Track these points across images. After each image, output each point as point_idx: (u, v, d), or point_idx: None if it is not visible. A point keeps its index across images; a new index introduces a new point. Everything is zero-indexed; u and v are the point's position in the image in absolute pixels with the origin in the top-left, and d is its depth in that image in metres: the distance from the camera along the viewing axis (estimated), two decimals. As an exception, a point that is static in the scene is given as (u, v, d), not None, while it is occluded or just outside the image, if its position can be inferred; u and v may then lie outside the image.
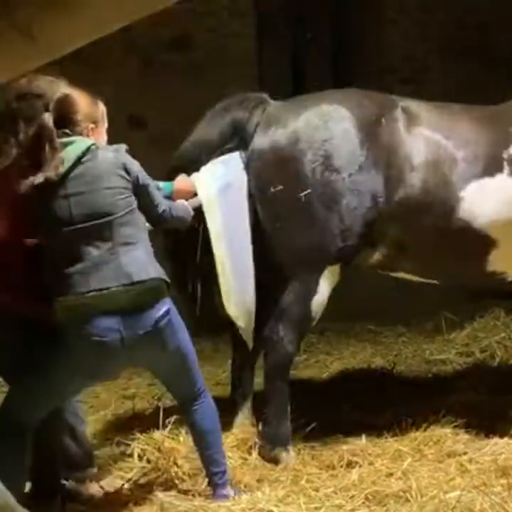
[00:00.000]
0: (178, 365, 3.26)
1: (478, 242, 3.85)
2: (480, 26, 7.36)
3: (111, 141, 6.72)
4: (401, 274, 4.07)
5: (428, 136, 3.84)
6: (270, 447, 3.74)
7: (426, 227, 3.81)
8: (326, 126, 3.73)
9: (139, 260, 3.10)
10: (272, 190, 3.73)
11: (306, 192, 3.67)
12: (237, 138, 3.90)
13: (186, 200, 3.63)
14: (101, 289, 3.03)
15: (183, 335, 3.23)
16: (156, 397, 4.72)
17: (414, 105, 3.96)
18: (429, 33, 7.34)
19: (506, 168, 3.84)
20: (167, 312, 3.11)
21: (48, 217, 3.05)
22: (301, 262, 3.79)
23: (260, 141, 3.81)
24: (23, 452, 3.09)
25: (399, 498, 3.22)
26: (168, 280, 3.18)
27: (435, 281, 4.12)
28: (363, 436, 3.86)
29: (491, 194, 3.81)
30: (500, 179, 3.83)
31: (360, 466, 3.58)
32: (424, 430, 3.89)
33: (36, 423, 3.11)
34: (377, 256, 3.90)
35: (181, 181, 3.76)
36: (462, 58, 7.18)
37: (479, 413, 4.09)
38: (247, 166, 3.83)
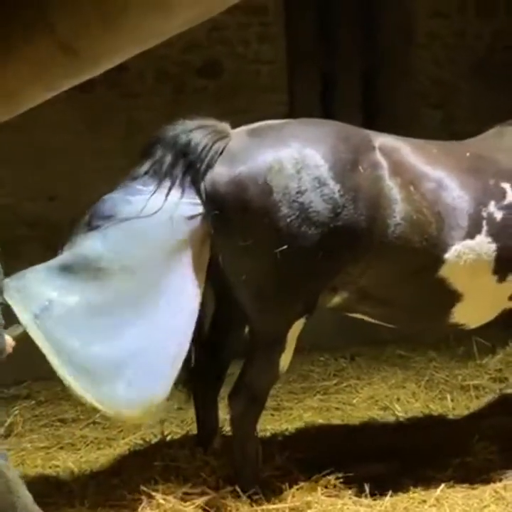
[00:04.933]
0: None
1: (447, 295, 3.79)
2: (510, 50, 7.35)
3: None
4: (358, 316, 3.97)
5: (411, 190, 3.63)
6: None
7: (398, 280, 3.71)
8: (299, 176, 3.44)
9: None
10: (241, 243, 3.42)
11: (282, 248, 3.39)
12: (178, 167, 3.53)
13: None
14: None
15: None
16: (185, 422, 4.73)
17: (394, 147, 3.73)
18: (459, 57, 7.34)
19: (484, 227, 3.74)
20: None
21: None
22: (269, 318, 3.59)
23: (224, 183, 3.47)
24: None
25: (433, 525, 3.20)
26: None
27: (393, 326, 4.05)
28: (396, 462, 3.84)
29: (468, 253, 3.72)
30: (479, 240, 3.74)
31: (393, 492, 3.56)
32: (458, 456, 3.86)
33: None
34: (336, 299, 3.76)
35: None
36: (492, 82, 7.16)
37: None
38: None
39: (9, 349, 3.01)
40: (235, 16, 6.32)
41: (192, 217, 3.46)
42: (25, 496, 2.48)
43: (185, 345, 3.46)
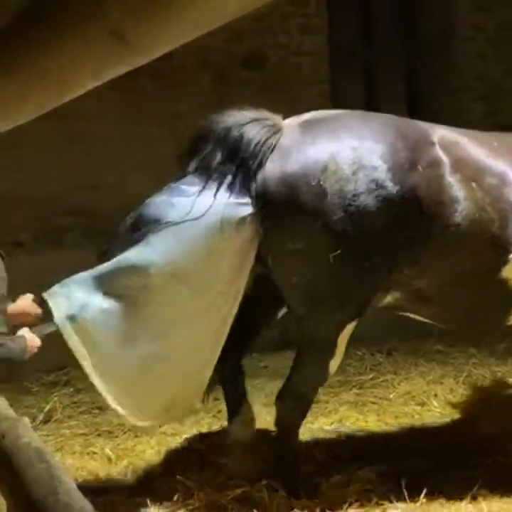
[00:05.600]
0: None
1: (508, 297, 3.62)
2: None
3: (184, 160, 6.82)
4: (407, 314, 3.83)
5: (473, 187, 3.46)
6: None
7: (457, 281, 3.53)
8: (356, 178, 3.29)
9: None
10: (292, 245, 3.30)
11: (336, 253, 3.27)
12: (228, 165, 3.37)
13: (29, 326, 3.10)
14: None
15: None
16: (221, 413, 4.74)
17: (454, 141, 3.56)
18: (502, 50, 7.25)
19: None
20: None
21: None
22: (321, 322, 3.46)
23: (275, 182, 3.33)
24: None
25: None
26: None
27: (446, 327, 3.98)
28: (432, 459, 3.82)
29: None
30: None
31: (429, 489, 3.54)
32: (495, 454, 3.83)
33: None
34: (388, 299, 3.61)
35: (23, 300, 3.20)
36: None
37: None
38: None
39: (34, 349, 3.00)
40: (279, 7, 6.31)
41: (241, 219, 3.29)
42: (67, 482, 2.50)
43: (216, 353, 3.42)
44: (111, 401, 3.27)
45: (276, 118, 3.52)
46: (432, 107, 6.96)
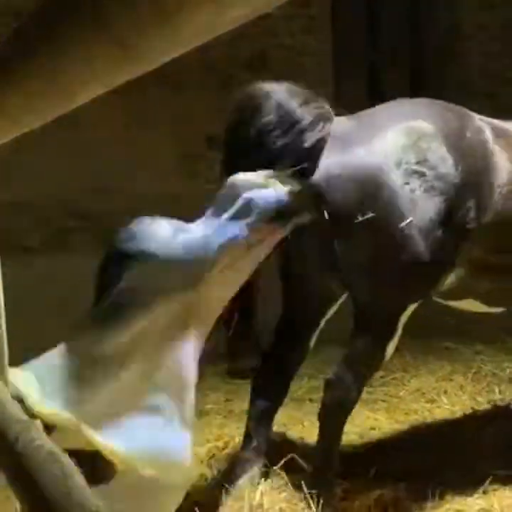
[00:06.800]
0: None
1: None
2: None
3: (189, 161, 6.86)
4: (465, 305, 3.80)
5: None
6: (311, 484, 3.31)
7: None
8: (417, 145, 3.30)
9: None
10: (360, 218, 3.21)
11: (407, 221, 3.23)
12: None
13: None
14: None
15: None
16: (232, 413, 4.76)
17: (487, 118, 3.69)
18: (506, 48, 7.27)
19: None
20: None
21: None
22: (386, 302, 3.39)
23: (336, 163, 3.27)
24: None
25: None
26: None
27: (501, 309, 3.88)
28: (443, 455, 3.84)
29: None
30: None
31: (440, 484, 3.56)
32: (506, 450, 3.84)
33: None
34: (451, 279, 3.56)
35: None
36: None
37: None
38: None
39: None
40: (282, 8, 6.33)
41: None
42: (81, 482, 2.51)
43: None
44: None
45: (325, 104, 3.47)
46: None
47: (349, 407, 3.45)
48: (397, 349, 5.88)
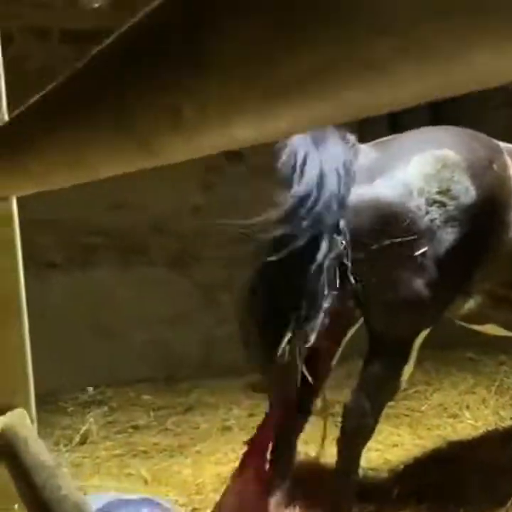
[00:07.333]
0: None
1: None
2: None
3: (209, 175, 6.89)
4: (490, 329, 3.81)
5: None
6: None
7: None
8: (439, 175, 3.28)
9: None
10: (376, 246, 3.23)
11: (423, 250, 3.23)
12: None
13: None
14: None
15: None
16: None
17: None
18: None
19: None
20: None
21: None
22: (400, 327, 3.39)
23: (360, 191, 3.28)
24: None
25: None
26: None
27: None
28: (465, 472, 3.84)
29: None
30: None
31: (463, 502, 3.56)
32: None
33: None
34: (470, 305, 3.56)
35: None
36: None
37: None
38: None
39: None
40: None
41: None
42: (83, 500, 2.49)
43: None
44: None
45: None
46: (452, 116, 6.96)
47: (368, 434, 3.47)
48: (418, 361, 5.95)
